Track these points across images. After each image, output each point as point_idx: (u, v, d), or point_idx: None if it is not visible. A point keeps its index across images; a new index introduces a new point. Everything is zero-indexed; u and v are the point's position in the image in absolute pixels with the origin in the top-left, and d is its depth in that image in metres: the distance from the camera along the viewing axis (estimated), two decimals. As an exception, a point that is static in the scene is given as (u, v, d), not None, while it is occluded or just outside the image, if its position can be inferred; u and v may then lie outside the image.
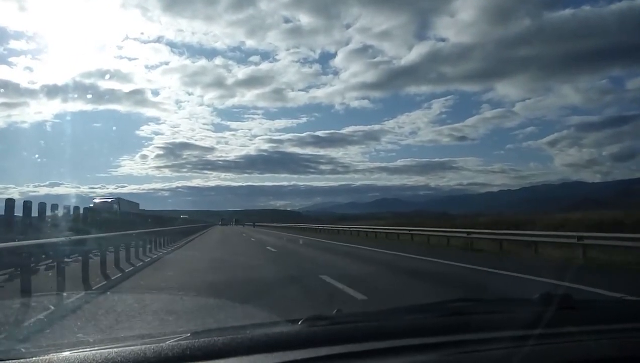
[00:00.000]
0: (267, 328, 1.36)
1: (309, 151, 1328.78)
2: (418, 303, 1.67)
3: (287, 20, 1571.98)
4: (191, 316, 5.78)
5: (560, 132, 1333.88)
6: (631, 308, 1.64)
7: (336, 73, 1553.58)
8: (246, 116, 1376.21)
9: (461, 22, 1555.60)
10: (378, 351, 1.09)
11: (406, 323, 1.34)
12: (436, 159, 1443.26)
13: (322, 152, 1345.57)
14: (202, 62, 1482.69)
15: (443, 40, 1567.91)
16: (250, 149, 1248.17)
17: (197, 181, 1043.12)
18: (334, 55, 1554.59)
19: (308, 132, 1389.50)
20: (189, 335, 1.30)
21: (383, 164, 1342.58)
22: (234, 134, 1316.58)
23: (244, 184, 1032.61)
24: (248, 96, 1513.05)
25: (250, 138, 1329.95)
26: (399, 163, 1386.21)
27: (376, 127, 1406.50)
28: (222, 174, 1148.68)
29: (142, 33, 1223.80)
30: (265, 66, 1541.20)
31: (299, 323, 1.35)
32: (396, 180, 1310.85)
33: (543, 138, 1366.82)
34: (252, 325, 1.43)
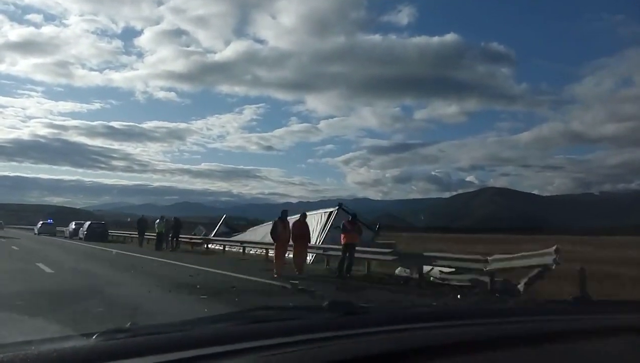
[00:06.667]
0: (58, 343, 1.25)
1: (99, 143, 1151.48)
2: (221, 313, 1.74)
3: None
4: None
5: (355, 152, 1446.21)
6: (398, 312, 1.98)
7: (141, 55, 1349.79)
8: (20, 91, 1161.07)
9: (281, 26, 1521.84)
10: (182, 361, 1.10)
11: (210, 332, 1.38)
12: (241, 167, 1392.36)
13: (116, 146, 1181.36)
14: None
15: (261, 42, 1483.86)
16: (23, 133, 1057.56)
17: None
18: (140, 33, 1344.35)
19: (100, 121, 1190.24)
20: None
21: (186, 166, 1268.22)
22: (0, 112, 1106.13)
23: (11, 174, 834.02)
24: (22, 65, 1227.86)
25: (23, 118, 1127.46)
26: (204, 166, 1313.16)
27: (182, 125, 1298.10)
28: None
29: None
30: (48, 29, 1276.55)
31: (94, 337, 1.27)
32: (199, 184, 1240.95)
33: (340, 156, 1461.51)
34: (40, 340, 1.28)
